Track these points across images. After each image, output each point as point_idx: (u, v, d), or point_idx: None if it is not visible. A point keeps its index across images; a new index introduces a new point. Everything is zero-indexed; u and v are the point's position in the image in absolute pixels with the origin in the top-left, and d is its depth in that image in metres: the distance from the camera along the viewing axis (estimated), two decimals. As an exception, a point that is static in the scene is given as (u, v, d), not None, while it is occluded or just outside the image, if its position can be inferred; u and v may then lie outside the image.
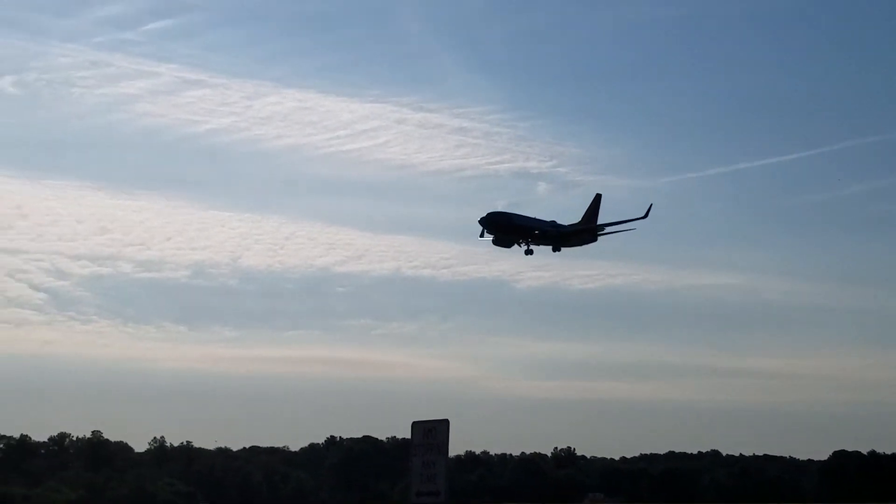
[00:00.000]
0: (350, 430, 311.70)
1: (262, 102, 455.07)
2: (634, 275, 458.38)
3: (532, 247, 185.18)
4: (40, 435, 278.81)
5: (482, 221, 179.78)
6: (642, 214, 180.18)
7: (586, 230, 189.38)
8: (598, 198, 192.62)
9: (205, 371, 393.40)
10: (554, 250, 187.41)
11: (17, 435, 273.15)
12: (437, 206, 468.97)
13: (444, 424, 55.80)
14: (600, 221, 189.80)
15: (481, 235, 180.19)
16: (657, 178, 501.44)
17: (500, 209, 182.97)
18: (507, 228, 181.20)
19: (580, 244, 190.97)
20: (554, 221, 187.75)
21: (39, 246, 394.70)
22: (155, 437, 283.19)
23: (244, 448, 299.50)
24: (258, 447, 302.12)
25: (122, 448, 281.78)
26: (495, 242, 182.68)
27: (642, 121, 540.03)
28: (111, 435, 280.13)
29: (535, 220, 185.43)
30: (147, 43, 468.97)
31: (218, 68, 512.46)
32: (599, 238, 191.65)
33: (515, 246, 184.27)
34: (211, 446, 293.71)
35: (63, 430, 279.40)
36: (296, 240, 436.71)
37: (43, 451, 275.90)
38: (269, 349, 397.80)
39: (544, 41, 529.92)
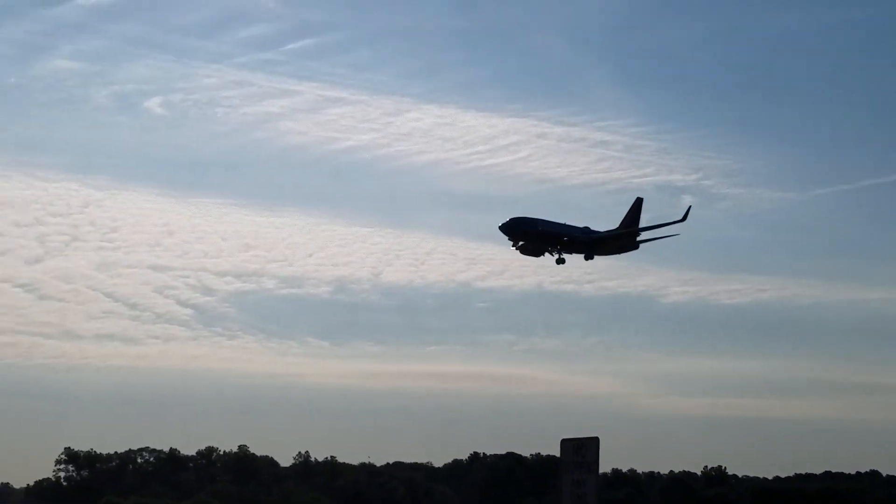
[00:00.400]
0: (493, 446, 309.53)
1: (403, 119, 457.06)
2: (784, 289, 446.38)
3: (563, 255, 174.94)
4: (189, 448, 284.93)
5: (503, 228, 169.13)
6: (685, 218, 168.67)
7: (621, 236, 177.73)
8: (638, 202, 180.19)
9: (348, 386, 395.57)
10: (586, 258, 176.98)
11: (166, 448, 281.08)
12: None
13: (593, 442, 54.26)
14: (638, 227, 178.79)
15: (514, 245, 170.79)
16: (807, 190, 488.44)
17: (523, 215, 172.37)
18: (531, 235, 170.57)
19: (618, 252, 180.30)
20: (587, 227, 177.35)
21: (186, 263, 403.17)
22: (300, 452, 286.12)
23: (388, 463, 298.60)
24: (402, 463, 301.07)
25: (268, 462, 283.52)
26: (523, 251, 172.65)
27: (791, 131, 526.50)
28: (257, 449, 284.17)
29: (563, 225, 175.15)
30: (288, 62, 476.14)
31: (358, 86, 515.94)
32: (641, 245, 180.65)
33: (546, 255, 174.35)
34: (355, 461, 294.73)
35: (211, 443, 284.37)
36: (437, 255, 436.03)
37: (191, 465, 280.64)
38: (411, 364, 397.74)
39: (687, 52, 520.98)
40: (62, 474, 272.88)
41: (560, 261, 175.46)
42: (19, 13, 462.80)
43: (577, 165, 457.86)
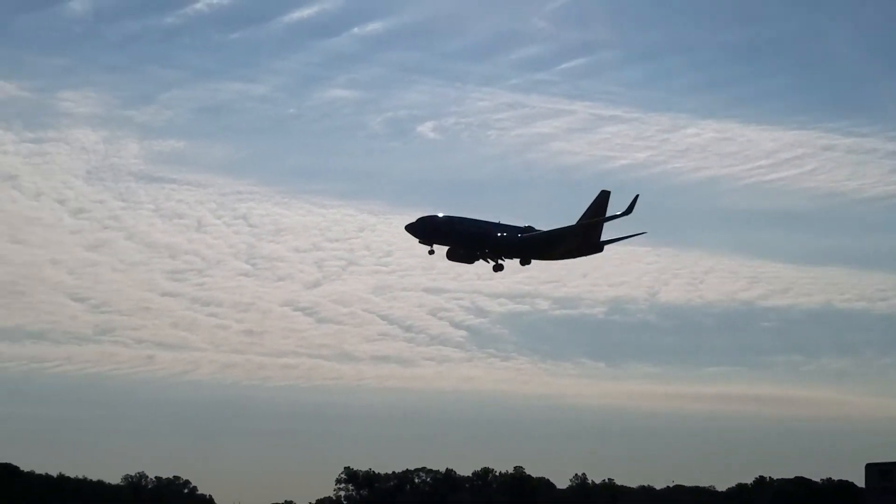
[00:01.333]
0: (780, 470, 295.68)
1: (679, 135, 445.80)
2: None
3: (502, 260, 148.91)
4: (465, 469, 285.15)
5: (409, 228, 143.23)
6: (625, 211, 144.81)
7: (565, 236, 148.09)
8: (602, 196, 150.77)
9: (624, 407, 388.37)
10: (522, 263, 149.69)
11: (442, 469, 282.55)
12: (870, 235, 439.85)
13: (903, 466, 48.22)
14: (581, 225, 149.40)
15: (429, 249, 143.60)
16: None
17: (436, 213, 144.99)
18: (448, 236, 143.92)
19: (575, 255, 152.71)
20: (529, 227, 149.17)
21: (460, 285, 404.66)
22: (576, 474, 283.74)
23: (668, 486, 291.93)
24: (682, 486, 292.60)
25: (544, 484, 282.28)
26: (451, 257, 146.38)
27: None
28: (533, 471, 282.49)
29: (487, 223, 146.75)
30: (561, 82, 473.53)
31: (632, 103, 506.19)
32: (605, 248, 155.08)
33: (482, 262, 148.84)
34: (633, 484, 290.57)
35: (486, 464, 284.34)
36: (716, 273, 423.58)
37: (467, 486, 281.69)
38: (691, 386, 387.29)
39: None
40: (342, 493, 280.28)
41: (498, 267, 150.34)
42: (297, 46, 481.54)
43: (867, 178, 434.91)
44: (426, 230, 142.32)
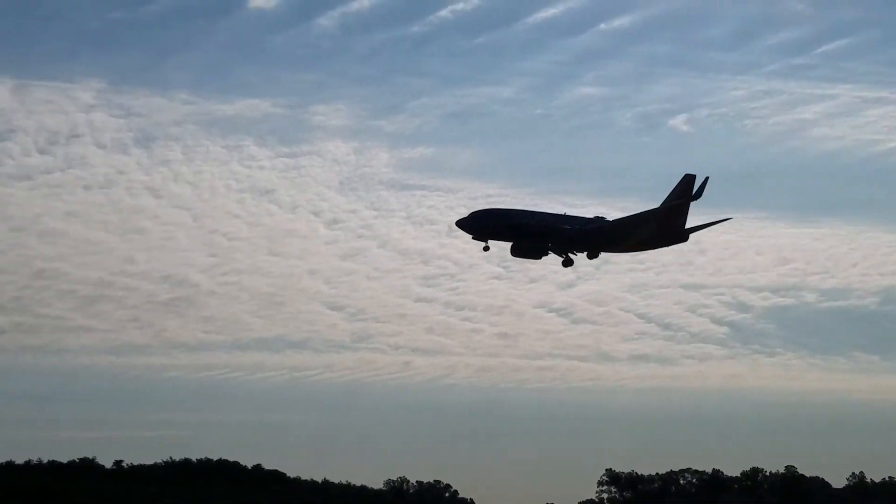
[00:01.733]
0: None
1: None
2: None
3: (573, 255, 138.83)
4: (732, 470, 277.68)
5: (461, 224, 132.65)
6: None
7: (639, 222, 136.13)
8: (687, 180, 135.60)
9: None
10: (589, 257, 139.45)
11: (709, 470, 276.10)
12: None
13: None
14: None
15: (486, 248, 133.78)
16: None
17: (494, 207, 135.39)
18: (501, 231, 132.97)
19: (651, 246, 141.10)
20: (599, 217, 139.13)
21: (719, 280, 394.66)
22: (853, 473, 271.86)
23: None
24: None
25: (819, 483, 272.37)
26: (514, 252, 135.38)
27: None
28: (806, 470, 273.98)
29: (550, 215, 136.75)
30: (822, 66, 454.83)
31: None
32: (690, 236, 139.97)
33: (551, 255, 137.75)
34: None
35: (755, 464, 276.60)
36: None
37: (736, 486, 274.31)
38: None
39: None
40: (605, 495, 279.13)
41: (567, 262, 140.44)
42: (543, 46, 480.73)
43: None
44: (479, 225, 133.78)
